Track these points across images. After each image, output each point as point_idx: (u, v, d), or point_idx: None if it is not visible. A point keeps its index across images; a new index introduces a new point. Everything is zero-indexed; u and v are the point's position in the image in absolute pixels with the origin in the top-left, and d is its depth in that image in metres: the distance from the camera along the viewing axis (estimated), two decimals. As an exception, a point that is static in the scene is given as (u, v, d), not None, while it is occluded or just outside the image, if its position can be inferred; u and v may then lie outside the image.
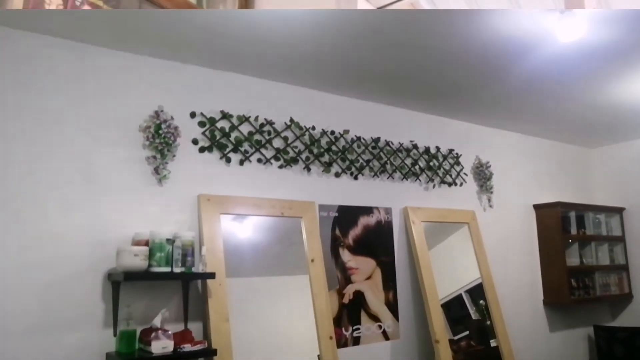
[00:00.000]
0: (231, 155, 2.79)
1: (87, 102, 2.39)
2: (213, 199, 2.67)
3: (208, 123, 2.72)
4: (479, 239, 3.73)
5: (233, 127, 2.81)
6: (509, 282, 3.95)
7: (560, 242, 4.16)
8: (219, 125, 2.77)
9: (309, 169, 3.06)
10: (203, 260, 2.44)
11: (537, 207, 4.31)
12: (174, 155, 2.58)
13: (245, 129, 2.86)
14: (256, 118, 2.90)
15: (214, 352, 2.36)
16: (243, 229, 2.79)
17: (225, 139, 2.77)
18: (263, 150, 2.90)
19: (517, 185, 4.24)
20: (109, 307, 2.27)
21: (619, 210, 4.69)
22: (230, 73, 2.85)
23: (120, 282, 2.22)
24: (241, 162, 2.82)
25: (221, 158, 2.76)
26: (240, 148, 2.81)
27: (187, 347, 2.25)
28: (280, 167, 2.96)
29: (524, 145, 4.39)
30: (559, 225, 4.17)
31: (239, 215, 2.77)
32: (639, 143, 4.66)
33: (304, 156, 3.05)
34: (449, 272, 3.57)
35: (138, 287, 2.36)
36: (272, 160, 2.93)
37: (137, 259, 2.19)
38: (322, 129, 3.15)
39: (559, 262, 4.13)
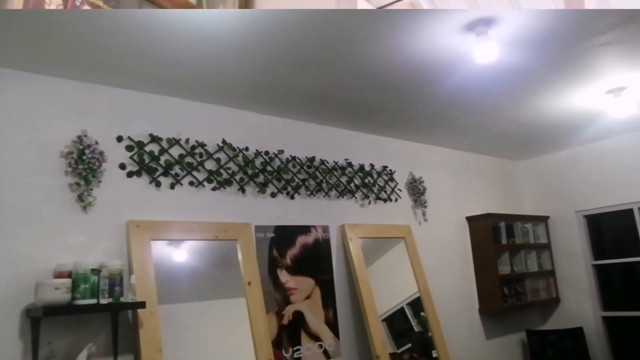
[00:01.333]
0: (161, 179, 2.72)
1: (1, 127, 2.26)
2: (143, 225, 2.58)
3: (136, 147, 2.64)
4: (415, 253, 3.82)
5: (163, 151, 2.74)
6: (446, 293, 4.06)
7: (492, 252, 4.33)
8: (147, 148, 2.69)
9: (243, 190, 3.03)
10: (132, 290, 2.34)
11: (470, 219, 4.48)
12: (99, 181, 2.48)
13: (175, 151, 2.79)
14: (187, 140, 2.84)
15: (146, 386, 2.26)
16: (177, 255, 2.71)
17: (154, 162, 2.70)
18: (195, 173, 2.85)
19: (449, 198, 4.39)
20: (27, 346, 2.12)
21: (544, 219, 4.96)
22: (158, 95, 2.79)
23: (40, 318, 2.09)
24: (172, 186, 2.75)
25: (151, 182, 2.68)
26: (170, 171, 2.75)
27: (116, 383, 2.14)
28: (214, 189, 2.92)
29: (455, 160, 4.57)
30: (490, 235, 4.35)
31: (171, 241, 2.69)
32: (557, 155, 4.97)
33: (238, 177, 3.02)
34: (390, 286, 3.62)
35: (61, 323, 2.23)
36: (205, 183, 2.88)
37: (58, 292, 2.07)
38: (256, 150, 3.14)
39: (492, 271, 4.30)
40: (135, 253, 2.50)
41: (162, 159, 2.73)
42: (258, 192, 3.10)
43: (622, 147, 4.50)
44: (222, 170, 2.96)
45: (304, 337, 3.12)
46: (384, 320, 3.44)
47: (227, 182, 2.96)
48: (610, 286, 4.74)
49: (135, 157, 2.63)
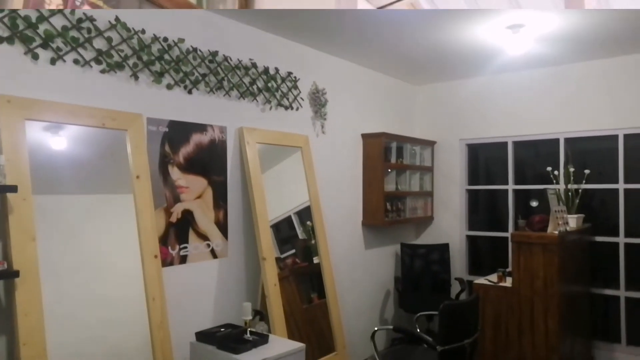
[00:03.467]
0: (39, 51, 2.37)
1: None
2: (15, 101, 2.27)
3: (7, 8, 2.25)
4: (310, 164, 3.87)
5: (42, 18, 2.37)
6: (334, 205, 4.22)
7: (381, 169, 4.54)
8: (22, 12, 2.31)
9: (136, 77, 2.78)
10: (1, 172, 2.10)
11: (365, 136, 4.61)
12: (-41, 43, 2.10)
13: (58, 22, 2.44)
14: (72, 11, 2.48)
15: (16, 274, 2.10)
16: (57, 141, 2.46)
17: (31, 30, 2.34)
18: (81, 50, 2.53)
19: (348, 113, 4.45)
20: None
21: (431, 144, 5.27)
22: (38, -50, 2.36)
23: None
24: (52, 61, 2.42)
25: (26, 53, 2.33)
26: (51, 44, 2.41)
27: (-20, 269, 1.96)
28: (103, 71, 2.63)
29: (359, 76, 4.58)
30: (381, 154, 4.54)
31: (51, 124, 2.42)
32: (452, 84, 5.21)
33: (131, 62, 2.75)
34: (281, 194, 3.67)
35: None
36: (93, 63, 2.58)
37: None
38: (154, 34, 2.85)
39: (378, 187, 4.54)
40: (6, 132, 2.22)
41: (41, 28, 2.37)
42: (153, 81, 2.86)
43: (513, 83, 4.83)
44: (113, 52, 2.66)
45: (192, 236, 3.09)
46: (271, 226, 3.51)
47: (119, 66, 2.68)
48: (476, 209, 5.28)
49: (6, 20, 2.25)
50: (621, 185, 4.36)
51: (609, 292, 4.43)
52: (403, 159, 4.87)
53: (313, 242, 3.83)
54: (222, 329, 3.00)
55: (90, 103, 2.57)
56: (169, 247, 2.95)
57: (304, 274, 3.74)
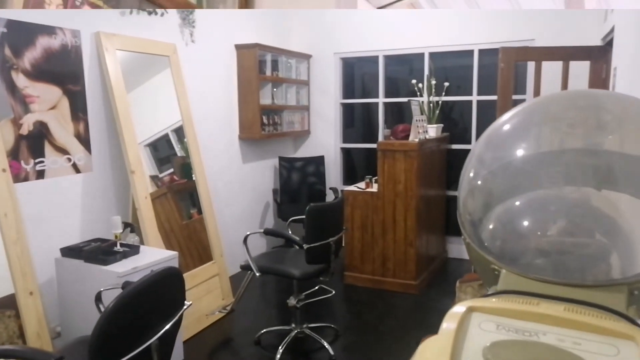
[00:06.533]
0: None
1: None
2: None
3: None
4: (179, 75, 3.72)
5: None
6: (208, 120, 4.15)
7: (256, 82, 4.51)
8: None
9: (-42, -34, 2.39)
10: None
11: (239, 47, 4.49)
12: None
13: None
14: None
15: None
16: None
17: None
18: None
19: (220, 22, 4.27)
20: None
21: (307, 57, 5.29)
22: None
23: None
24: None
25: None
26: None
27: None
28: None
29: (230, -16, 4.37)
30: (256, 66, 4.48)
31: None
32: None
33: (-51, -53, 2.35)
34: (156, 112, 3.53)
35: None
36: None
37: None
38: None
39: (254, 101, 4.53)
40: None
41: None
42: (-19, -28, 2.49)
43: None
44: None
45: (48, 149, 2.88)
46: (147, 145, 3.40)
47: None
48: (350, 122, 5.52)
49: None
50: (474, 97, 4.80)
51: (461, 193, 4.99)
52: (279, 72, 4.86)
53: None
54: (91, 243, 2.93)
55: None
56: (22, 162, 2.74)
57: (182, 190, 3.71)
